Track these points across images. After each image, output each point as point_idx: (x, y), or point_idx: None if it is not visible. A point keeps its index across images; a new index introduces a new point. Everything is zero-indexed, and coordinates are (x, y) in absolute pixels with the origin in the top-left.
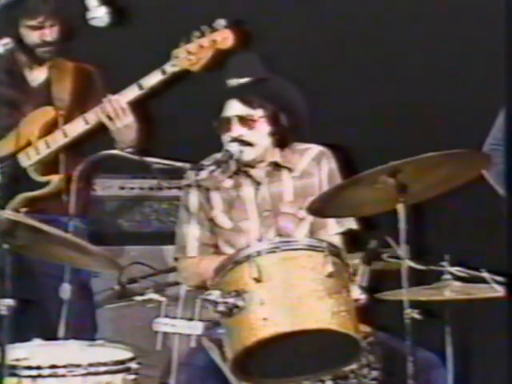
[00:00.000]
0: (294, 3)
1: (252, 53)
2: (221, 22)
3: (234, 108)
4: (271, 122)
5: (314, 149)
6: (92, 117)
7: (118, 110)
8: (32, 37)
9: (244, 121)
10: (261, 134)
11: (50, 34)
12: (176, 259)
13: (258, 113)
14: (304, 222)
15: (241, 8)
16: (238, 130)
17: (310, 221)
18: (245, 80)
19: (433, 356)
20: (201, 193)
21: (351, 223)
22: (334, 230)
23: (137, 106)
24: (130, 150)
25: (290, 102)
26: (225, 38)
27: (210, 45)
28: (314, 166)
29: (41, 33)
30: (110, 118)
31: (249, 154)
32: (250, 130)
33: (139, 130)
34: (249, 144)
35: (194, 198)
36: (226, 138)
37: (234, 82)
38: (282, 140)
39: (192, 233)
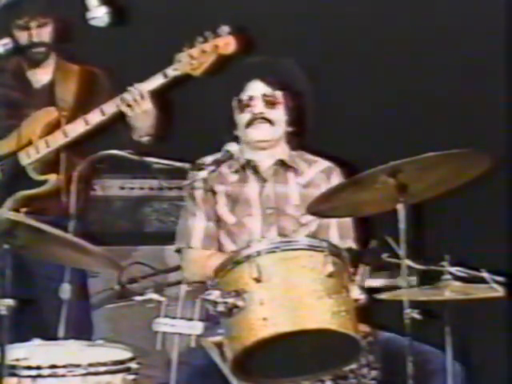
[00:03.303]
0: (296, 11)
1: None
2: (225, 29)
3: (259, 87)
4: (288, 106)
5: (323, 163)
6: (93, 117)
7: (136, 97)
8: (21, 37)
9: (268, 100)
10: (280, 116)
11: (38, 34)
12: (178, 250)
13: (279, 95)
14: (305, 228)
15: (242, 15)
16: (260, 107)
17: (312, 230)
18: (264, 59)
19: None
20: (206, 186)
21: (352, 242)
22: None
23: (155, 94)
24: (147, 138)
25: (304, 86)
26: (227, 43)
27: (212, 50)
28: (322, 178)
29: (28, 33)
30: (128, 106)
31: (268, 133)
32: (271, 110)
33: (157, 117)
34: (270, 122)
35: (199, 191)
36: (243, 119)
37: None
38: (293, 134)
39: (198, 224)
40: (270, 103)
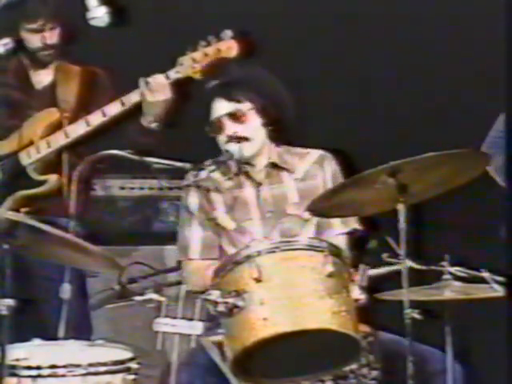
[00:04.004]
0: (295, 16)
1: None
2: (228, 33)
3: (222, 107)
4: (261, 112)
5: (314, 153)
6: (94, 118)
7: (160, 85)
8: (33, 40)
9: (235, 117)
10: (254, 126)
11: (51, 36)
12: (179, 262)
13: (246, 106)
14: (309, 223)
15: (242, 19)
16: (231, 127)
17: (315, 222)
18: (224, 78)
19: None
20: (201, 194)
21: (355, 223)
22: (339, 229)
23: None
24: (156, 124)
25: (274, 90)
26: (229, 47)
27: (215, 53)
28: (317, 168)
29: (42, 36)
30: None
31: (248, 150)
32: (242, 125)
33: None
34: (245, 139)
35: (193, 200)
36: (221, 139)
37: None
38: (275, 131)
39: (194, 234)
40: (238, 119)
